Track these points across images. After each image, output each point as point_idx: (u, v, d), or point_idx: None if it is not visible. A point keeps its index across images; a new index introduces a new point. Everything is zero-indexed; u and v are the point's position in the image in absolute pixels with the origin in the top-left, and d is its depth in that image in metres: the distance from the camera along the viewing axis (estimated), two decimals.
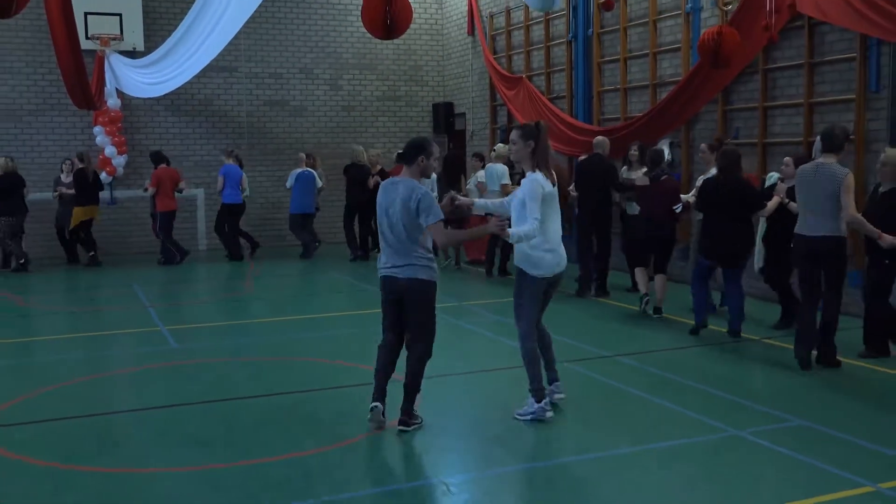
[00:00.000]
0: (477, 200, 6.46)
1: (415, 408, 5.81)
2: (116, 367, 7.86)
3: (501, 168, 12.15)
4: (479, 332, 8.91)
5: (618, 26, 12.78)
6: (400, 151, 6.02)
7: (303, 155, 15.10)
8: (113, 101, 15.17)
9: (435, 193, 10.83)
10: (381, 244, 5.80)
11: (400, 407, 5.75)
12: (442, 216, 5.64)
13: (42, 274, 13.51)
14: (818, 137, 9.46)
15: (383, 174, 13.84)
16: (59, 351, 8.55)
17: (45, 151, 15.18)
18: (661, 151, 9.80)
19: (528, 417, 5.93)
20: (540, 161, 5.94)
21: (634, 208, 10.43)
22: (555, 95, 14.39)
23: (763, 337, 8.29)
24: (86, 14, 14.78)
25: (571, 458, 5.24)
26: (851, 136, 8.35)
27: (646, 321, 9.19)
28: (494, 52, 16.05)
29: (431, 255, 5.75)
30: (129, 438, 5.86)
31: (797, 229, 7.30)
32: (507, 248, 11.92)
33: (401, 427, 5.72)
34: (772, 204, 8.24)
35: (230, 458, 5.27)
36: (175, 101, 16.20)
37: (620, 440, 5.53)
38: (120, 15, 15.40)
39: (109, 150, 15.10)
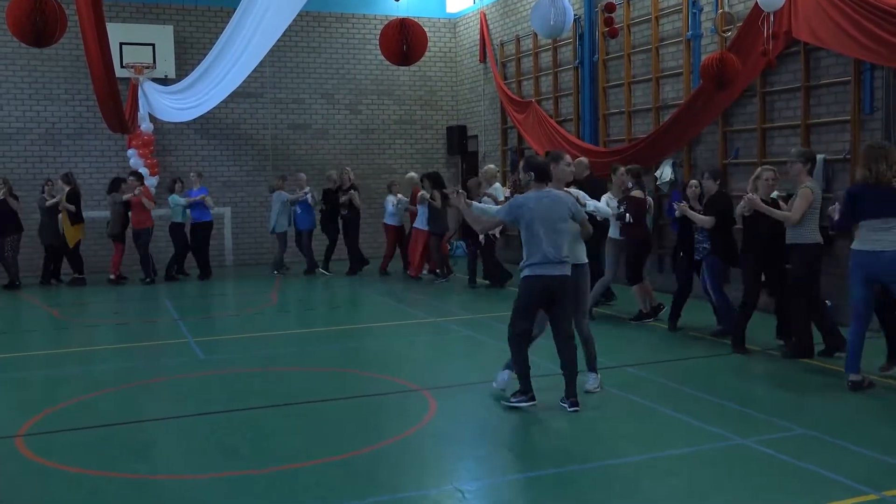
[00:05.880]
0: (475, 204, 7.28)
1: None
2: (145, 378, 7.79)
3: (499, 186, 13.08)
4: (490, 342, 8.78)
5: (622, 53, 12.72)
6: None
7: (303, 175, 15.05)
8: (146, 126, 15.24)
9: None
10: None
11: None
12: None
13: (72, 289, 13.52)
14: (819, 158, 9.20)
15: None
16: (93, 362, 8.51)
17: (81, 173, 15.15)
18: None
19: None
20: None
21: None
22: (562, 118, 14.32)
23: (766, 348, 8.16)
24: (121, 44, 14.84)
25: (579, 466, 5.11)
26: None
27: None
28: (505, 78, 16.01)
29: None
30: (158, 446, 5.79)
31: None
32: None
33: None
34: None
35: (254, 466, 5.18)
36: (204, 126, 16.22)
37: (628, 448, 5.41)
38: (153, 45, 15.52)
39: (142, 172, 15.07)
